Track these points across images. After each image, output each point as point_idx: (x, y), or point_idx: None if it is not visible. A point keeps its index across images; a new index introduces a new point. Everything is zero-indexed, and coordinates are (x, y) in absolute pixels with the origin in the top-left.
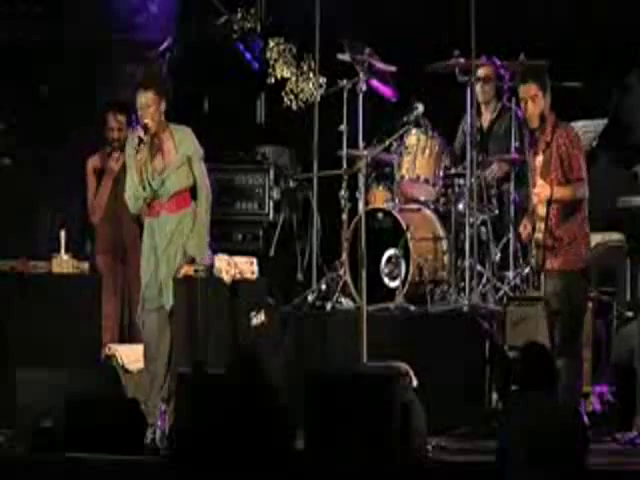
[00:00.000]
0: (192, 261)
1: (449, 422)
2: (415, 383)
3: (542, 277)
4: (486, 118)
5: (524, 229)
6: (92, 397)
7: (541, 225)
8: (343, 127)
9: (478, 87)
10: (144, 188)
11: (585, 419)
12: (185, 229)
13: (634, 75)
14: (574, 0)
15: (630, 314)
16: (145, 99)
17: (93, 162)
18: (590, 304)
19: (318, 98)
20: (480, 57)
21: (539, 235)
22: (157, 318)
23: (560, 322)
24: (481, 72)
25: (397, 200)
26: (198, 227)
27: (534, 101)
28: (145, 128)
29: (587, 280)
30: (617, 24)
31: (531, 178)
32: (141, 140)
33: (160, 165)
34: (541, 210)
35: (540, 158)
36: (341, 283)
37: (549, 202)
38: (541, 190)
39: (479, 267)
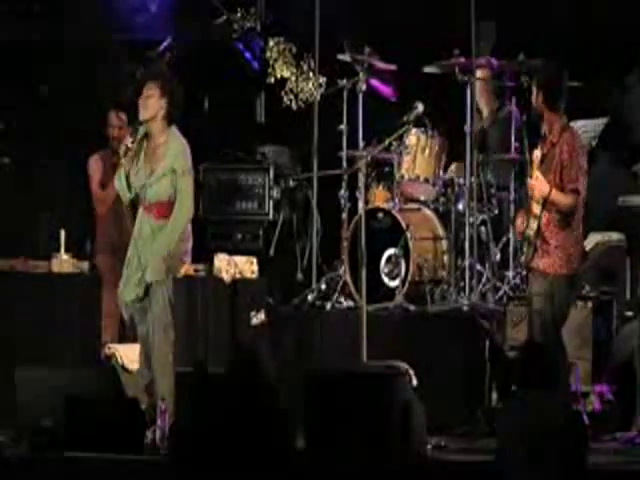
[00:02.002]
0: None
1: (449, 422)
2: (415, 382)
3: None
4: (485, 118)
5: (520, 223)
6: (92, 396)
7: (533, 223)
8: (343, 127)
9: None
10: (129, 190)
11: (585, 419)
12: (152, 240)
13: (634, 75)
14: (574, 0)
15: (630, 314)
16: (146, 89)
17: (95, 159)
18: (590, 304)
19: (318, 98)
20: (478, 57)
21: (530, 232)
22: (134, 314)
23: (539, 321)
24: (478, 72)
25: (397, 200)
26: (157, 246)
27: (531, 94)
28: (132, 134)
29: (572, 285)
30: (617, 24)
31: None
32: (128, 148)
33: (148, 169)
34: (536, 208)
35: (540, 153)
36: (341, 283)
37: (544, 202)
38: (536, 183)
39: (479, 267)
